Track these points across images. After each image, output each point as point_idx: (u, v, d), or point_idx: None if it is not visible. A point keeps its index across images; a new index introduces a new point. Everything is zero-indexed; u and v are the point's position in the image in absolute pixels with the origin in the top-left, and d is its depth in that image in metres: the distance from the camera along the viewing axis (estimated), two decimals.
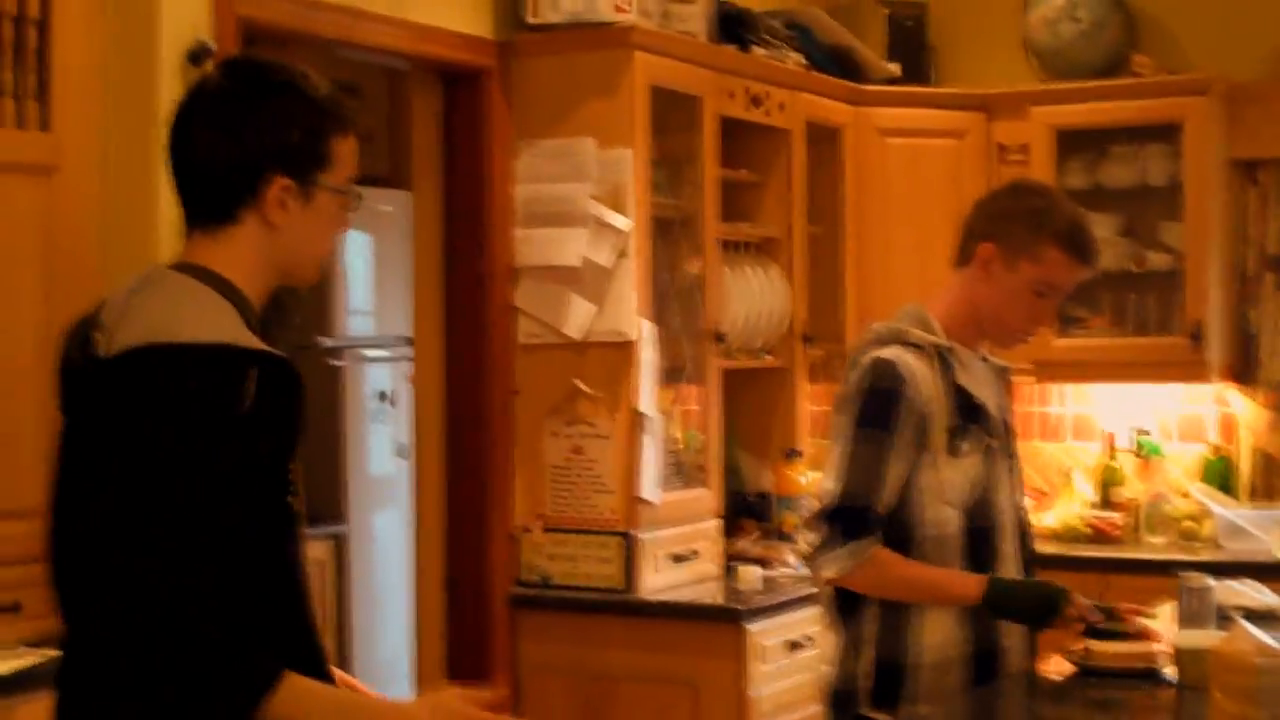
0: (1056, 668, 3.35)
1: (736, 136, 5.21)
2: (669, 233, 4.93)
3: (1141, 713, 3.15)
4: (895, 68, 5.96)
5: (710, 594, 4.76)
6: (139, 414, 2.09)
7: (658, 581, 4.72)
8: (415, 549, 5.02)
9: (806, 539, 3.27)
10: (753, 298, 5.23)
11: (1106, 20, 5.79)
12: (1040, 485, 6.03)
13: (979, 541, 3.28)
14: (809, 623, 4.53)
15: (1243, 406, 5.74)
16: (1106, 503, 5.78)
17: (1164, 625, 3.50)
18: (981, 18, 6.21)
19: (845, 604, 3.30)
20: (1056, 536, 5.70)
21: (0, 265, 3.54)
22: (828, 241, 5.69)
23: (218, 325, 2.13)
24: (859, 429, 3.23)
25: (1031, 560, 3.43)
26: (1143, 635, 3.33)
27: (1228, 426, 5.83)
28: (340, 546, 6.25)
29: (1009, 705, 3.23)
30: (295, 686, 2.07)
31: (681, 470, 5.00)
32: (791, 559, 4.99)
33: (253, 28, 3.99)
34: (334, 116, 2.28)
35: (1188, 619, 3.45)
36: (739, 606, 4.57)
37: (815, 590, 3.44)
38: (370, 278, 6.37)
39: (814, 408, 5.56)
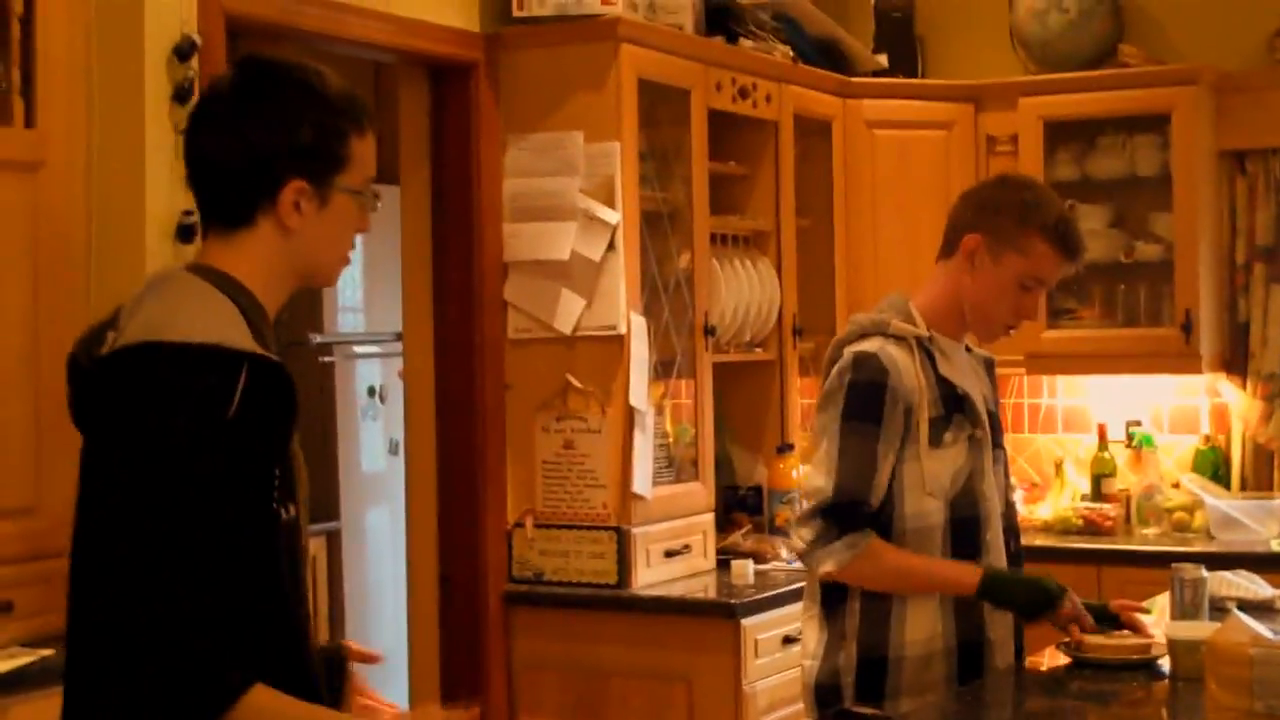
0: (1050, 660, 3.35)
1: (724, 129, 5.20)
2: (658, 226, 4.92)
3: (1135, 705, 3.14)
4: (883, 59, 5.95)
5: (703, 589, 4.75)
6: (125, 411, 2.07)
7: (650, 576, 4.71)
8: (408, 545, 5.01)
9: (801, 535, 3.25)
10: (742, 291, 5.22)
11: (1094, 11, 5.78)
12: (1032, 477, 6.03)
13: (963, 532, 3.27)
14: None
15: (1234, 397, 5.74)
16: (1099, 494, 5.78)
17: (1158, 617, 3.50)
18: (969, 9, 6.20)
19: (828, 598, 3.30)
20: (1049, 528, 5.70)
21: None
22: (817, 234, 5.68)
23: (214, 326, 2.10)
24: (846, 423, 3.22)
25: (1018, 554, 3.42)
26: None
27: (1220, 417, 5.83)
28: (333, 543, 6.23)
29: (998, 698, 3.23)
30: (260, 701, 2.04)
31: (673, 464, 4.99)
32: (784, 553, 4.98)
33: (238, 22, 3.97)
34: (350, 116, 2.24)
35: (1181, 610, 3.45)
36: (734, 601, 4.56)
37: (805, 583, 3.43)
38: (360, 273, 6.36)
39: (805, 401, 5.55)
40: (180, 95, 3.76)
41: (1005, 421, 5.22)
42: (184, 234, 3.74)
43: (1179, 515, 5.61)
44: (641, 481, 4.67)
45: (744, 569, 4.83)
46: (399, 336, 5.27)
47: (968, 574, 3.22)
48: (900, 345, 3.27)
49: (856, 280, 5.73)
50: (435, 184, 4.86)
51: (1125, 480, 5.81)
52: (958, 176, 5.67)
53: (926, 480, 3.23)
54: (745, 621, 4.54)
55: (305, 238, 2.23)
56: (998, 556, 3.33)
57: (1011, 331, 3.43)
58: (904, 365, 3.24)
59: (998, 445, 3.42)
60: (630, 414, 4.65)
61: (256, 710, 2.04)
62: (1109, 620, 3.36)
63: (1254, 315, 5.70)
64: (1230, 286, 5.76)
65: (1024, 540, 3.51)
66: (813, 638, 3.33)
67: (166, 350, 2.07)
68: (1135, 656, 3.25)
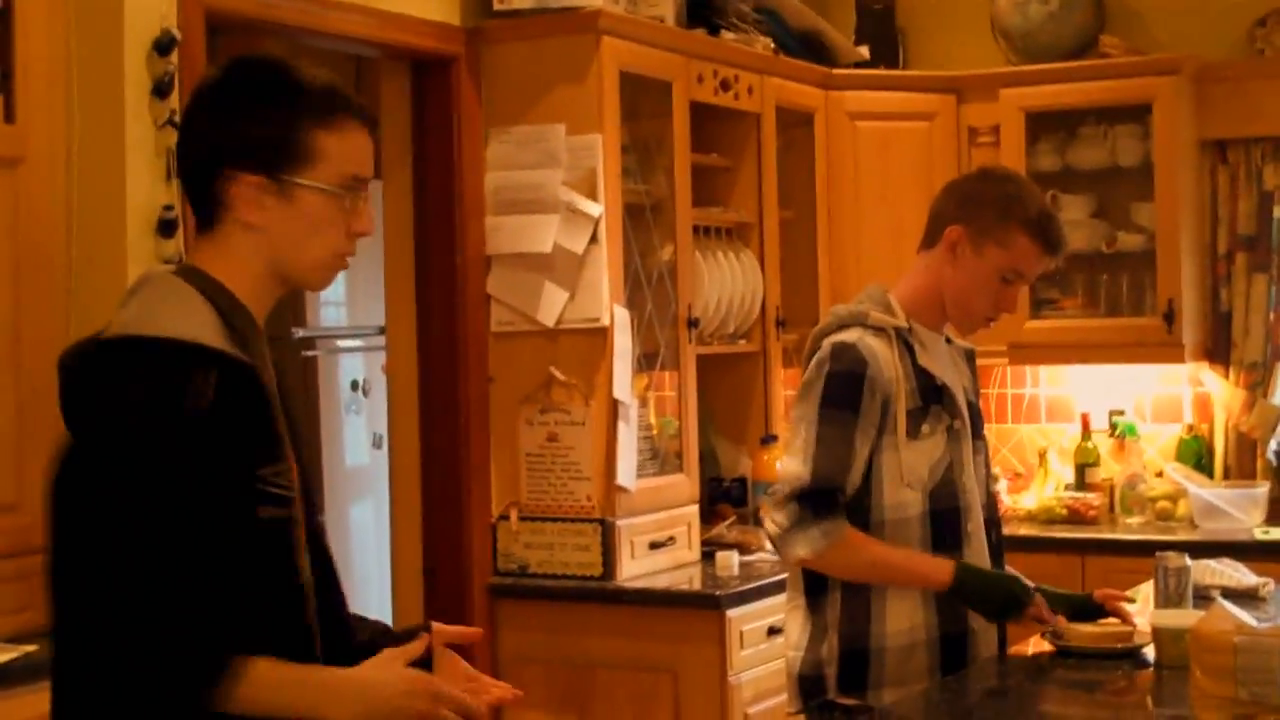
0: (1034, 650, 3.35)
1: (706, 121, 5.19)
2: (640, 218, 4.91)
3: (1120, 693, 3.14)
4: (864, 51, 5.95)
5: (688, 580, 4.75)
6: (87, 404, 2.08)
7: (635, 568, 4.71)
8: (392, 539, 5.00)
9: (775, 520, 3.26)
10: (725, 283, 5.22)
11: (1075, 2, 5.78)
12: (1016, 467, 6.04)
13: (942, 524, 3.28)
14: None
15: (1217, 386, 5.75)
16: (1082, 484, 5.79)
17: (1142, 605, 3.50)
18: (950, 0, 6.20)
19: (811, 588, 3.31)
20: (1033, 518, 5.71)
21: None
22: (800, 226, 5.68)
23: (182, 323, 2.09)
24: (823, 410, 3.23)
25: (999, 546, 3.43)
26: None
27: (1203, 406, 5.84)
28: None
29: (982, 689, 3.23)
30: (256, 672, 2.05)
31: (657, 456, 4.99)
32: (769, 544, 4.97)
33: (218, 17, 3.96)
34: (314, 110, 2.18)
35: (1165, 599, 3.46)
36: (718, 593, 4.56)
37: (788, 574, 3.44)
38: None
39: (789, 392, 5.54)
40: (160, 90, 3.75)
41: (988, 412, 5.24)
42: (165, 229, 3.73)
43: (1162, 504, 5.62)
44: (626, 474, 4.67)
45: (728, 560, 4.84)
46: (382, 330, 5.26)
47: (941, 570, 3.23)
48: (879, 336, 3.27)
49: (839, 271, 5.73)
50: (417, 177, 4.85)
51: (1109, 470, 5.82)
52: (939, 168, 5.67)
53: (904, 471, 3.24)
54: (730, 613, 4.54)
55: (274, 236, 2.19)
56: (979, 548, 3.34)
57: (990, 324, 3.43)
58: (883, 356, 3.24)
59: (978, 436, 3.43)
60: (614, 406, 4.65)
61: (263, 676, 2.05)
62: (1093, 611, 3.37)
63: (1236, 304, 5.71)
64: (1212, 276, 5.77)
65: (1008, 530, 3.52)
66: (796, 629, 3.34)
67: (129, 344, 2.08)
68: (1119, 645, 3.26)
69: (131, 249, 3.69)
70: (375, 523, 6.13)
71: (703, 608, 4.56)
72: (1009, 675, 3.27)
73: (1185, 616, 3.15)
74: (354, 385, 6.45)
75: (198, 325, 2.10)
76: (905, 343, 3.30)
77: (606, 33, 4.67)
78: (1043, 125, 5.82)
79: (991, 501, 3.47)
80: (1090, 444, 5.82)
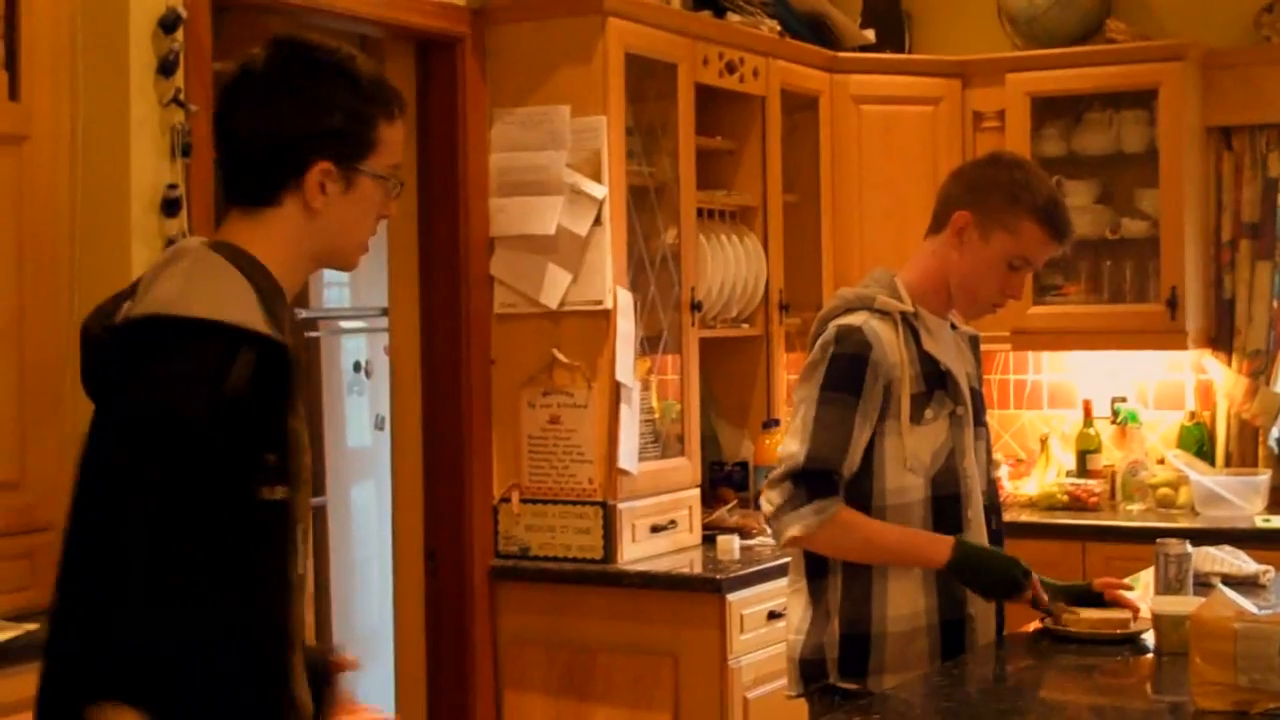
0: (1033, 635, 3.36)
1: (711, 104, 5.19)
2: (644, 201, 4.91)
3: (1119, 679, 3.15)
4: (870, 35, 5.94)
5: (689, 564, 4.76)
6: (125, 381, 2.08)
7: (636, 552, 4.72)
8: (393, 521, 5.00)
9: (769, 499, 3.25)
10: (729, 266, 5.22)
11: None
12: (1018, 453, 6.04)
13: (943, 509, 3.28)
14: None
15: (1220, 373, 5.74)
16: (1084, 470, 5.79)
17: (1142, 592, 3.51)
18: None
19: (812, 572, 3.31)
20: (1034, 504, 5.71)
21: None
22: (804, 209, 5.68)
23: (226, 303, 2.10)
24: (824, 392, 3.23)
25: (999, 532, 3.42)
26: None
27: (1205, 393, 5.84)
28: (319, 519, 6.22)
29: (981, 674, 3.23)
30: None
31: (659, 440, 4.99)
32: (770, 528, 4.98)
33: None
34: (379, 102, 2.26)
35: (1166, 586, 3.46)
36: (719, 576, 4.56)
37: (789, 558, 3.44)
38: None
39: (791, 376, 5.55)
40: (165, 68, 3.74)
41: (991, 398, 5.25)
42: (169, 207, 3.73)
43: (1164, 491, 5.62)
44: (628, 457, 4.67)
45: (730, 544, 4.84)
46: (385, 311, 5.25)
47: (941, 547, 3.22)
48: (885, 320, 3.27)
49: (843, 255, 5.72)
50: (421, 158, 4.84)
51: (1110, 456, 5.82)
52: (944, 152, 5.67)
53: (907, 456, 3.24)
54: (731, 597, 4.54)
55: (327, 220, 2.24)
56: (979, 534, 3.34)
57: (996, 309, 3.43)
58: (887, 340, 3.24)
59: (980, 423, 3.42)
60: (616, 389, 4.65)
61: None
62: (1093, 600, 3.37)
63: (1239, 292, 5.71)
64: (1216, 263, 5.76)
65: (1009, 516, 3.52)
66: (797, 613, 3.34)
67: (172, 323, 2.07)
68: (1118, 631, 3.26)
69: (135, 227, 3.69)
70: (377, 504, 6.13)
71: (703, 591, 4.56)
72: (1009, 661, 3.27)
73: (1186, 603, 3.15)
74: (356, 366, 6.44)
75: (244, 308, 2.11)
76: (910, 327, 3.29)
77: (612, 14, 4.66)
78: (1048, 110, 5.81)
79: (992, 488, 3.46)
80: (1092, 430, 5.82)
